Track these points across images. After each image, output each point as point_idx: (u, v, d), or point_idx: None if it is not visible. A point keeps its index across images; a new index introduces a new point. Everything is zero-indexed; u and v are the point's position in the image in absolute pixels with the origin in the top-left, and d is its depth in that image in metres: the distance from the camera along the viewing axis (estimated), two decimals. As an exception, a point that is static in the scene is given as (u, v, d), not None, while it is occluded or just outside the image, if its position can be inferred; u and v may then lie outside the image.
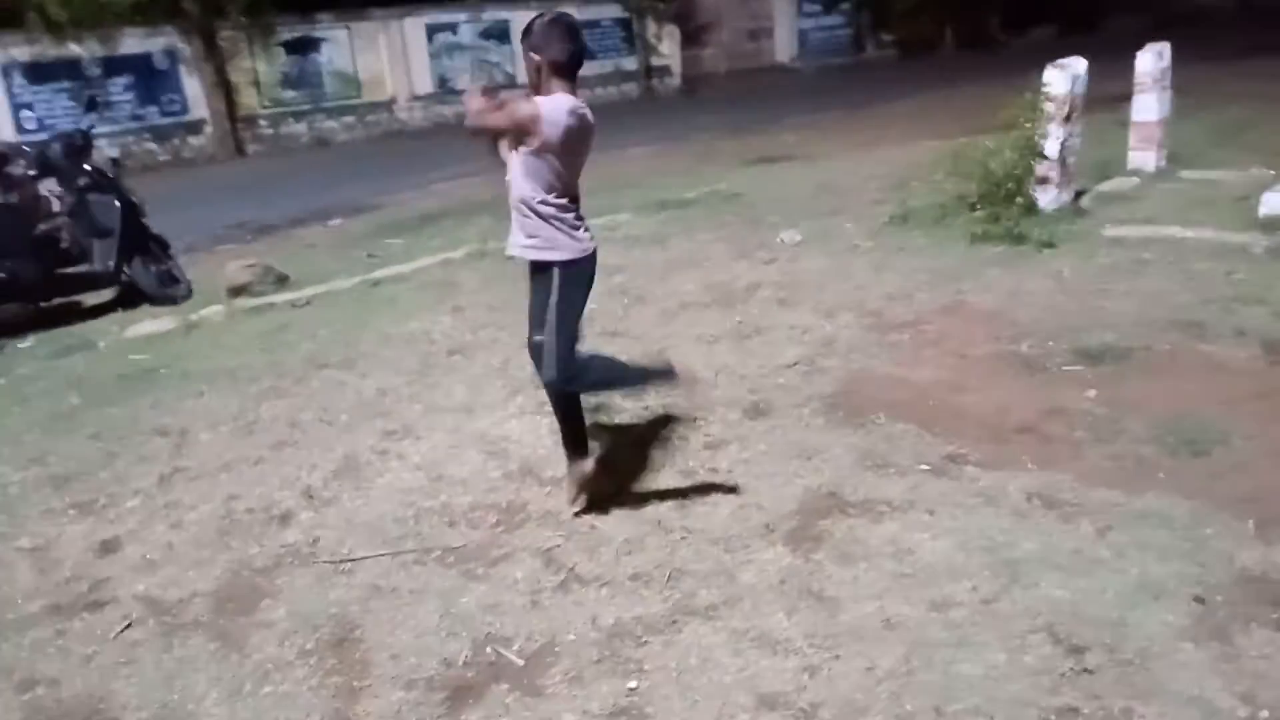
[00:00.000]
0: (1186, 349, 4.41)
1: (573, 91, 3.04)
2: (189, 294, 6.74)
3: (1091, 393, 4.04)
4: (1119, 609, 2.68)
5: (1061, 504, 3.23)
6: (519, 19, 20.09)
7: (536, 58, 3.01)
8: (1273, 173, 7.09)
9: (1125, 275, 5.44)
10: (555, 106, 2.95)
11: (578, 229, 3.16)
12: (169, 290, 6.68)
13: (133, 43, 15.76)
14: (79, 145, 6.53)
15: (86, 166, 6.49)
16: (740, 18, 26.63)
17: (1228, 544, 2.93)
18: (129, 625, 2.96)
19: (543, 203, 3.06)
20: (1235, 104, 10.77)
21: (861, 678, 2.51)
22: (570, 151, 3.03)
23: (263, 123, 17.32)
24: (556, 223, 3.09)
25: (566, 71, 3.03)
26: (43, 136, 13.34)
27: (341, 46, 18.07)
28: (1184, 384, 4.07)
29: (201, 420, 4.50)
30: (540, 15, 3.12)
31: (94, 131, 7.01)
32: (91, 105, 7.71)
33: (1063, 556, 2.94)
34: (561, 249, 3.12)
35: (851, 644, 2.64)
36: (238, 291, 6.44)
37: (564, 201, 3.09)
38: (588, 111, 3.04)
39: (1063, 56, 6.69)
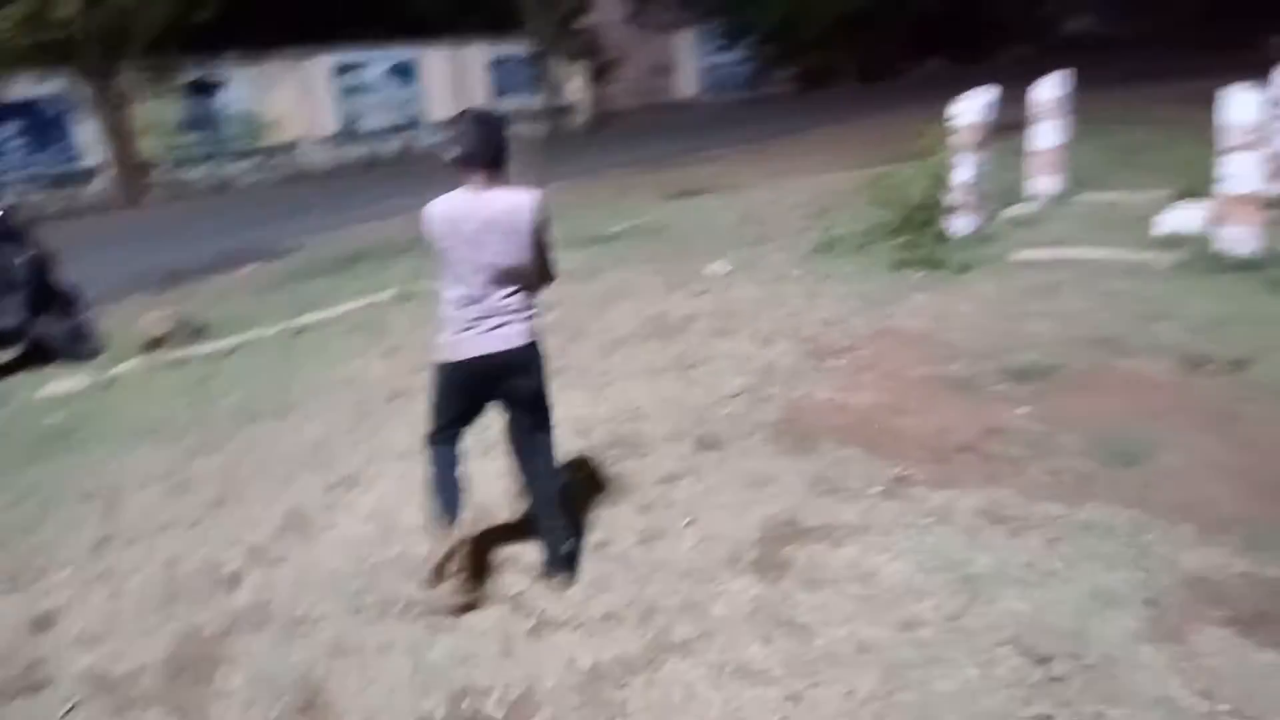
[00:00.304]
0: (1107, 365, 4.62)
1: (484, 184, 2.96)
2: (101, 350, 6.45)
3: (1024, 410, 4.21)
4: (1077, 617, 2.79)
5: (1009, 519, 3.35)
6: (427, 57, 20.10)
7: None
8: (1167, 192, 7.52)
9: (1042, 296, 5.68)
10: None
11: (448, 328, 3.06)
12: (79, 346, 6.37)
13: (21, 88, 15.13)
14: (-21, 197, 6.22)
15: (-11, 218, 6.19)
16: (644, 54, 27.14)
17: (1169, 549, 3.07)
18: (73, 707, 2.80)
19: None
20: (1128, 128, 11.42)
21: (843, 702, 2.55)
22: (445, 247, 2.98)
23: (162, 168, 16.79)
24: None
25: (463, 167, 2.96)
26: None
27: (244, 87, 17.73)
28: (1109, 399, 4.27)
29: (130, 481, 4.30)
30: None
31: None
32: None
33: (1017, 570, 3.04)
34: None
35: (828, 670, 2.67)
36: (154, 344, 6.20)
37: (449, 295, 3.03)
38: (443, 209, 2.96)
39: (956, 87, 7.01)
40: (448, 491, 3.15)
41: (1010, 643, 2.70)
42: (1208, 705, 2.42)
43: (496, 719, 2.62)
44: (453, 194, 2.99)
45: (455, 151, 2.95)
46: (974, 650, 2.68)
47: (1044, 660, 2.62)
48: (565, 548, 3.24)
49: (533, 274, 3.08)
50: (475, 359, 3.02)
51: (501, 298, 3.02)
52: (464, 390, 3.14)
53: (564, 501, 3.34)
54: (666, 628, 2.93)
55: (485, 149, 2.95)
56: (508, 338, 3.03)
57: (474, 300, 3.00)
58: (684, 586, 3.14)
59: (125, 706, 2.78)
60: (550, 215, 3.09)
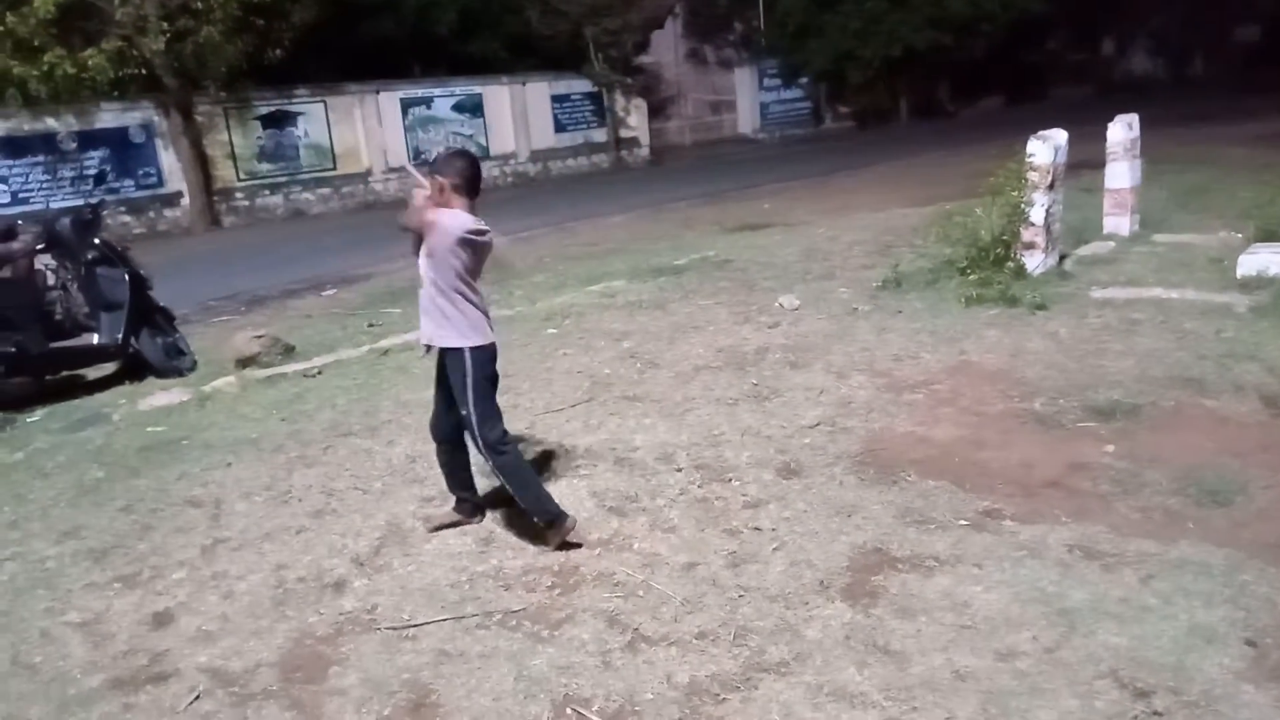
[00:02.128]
0: (1190, 404, 4.62)
1: (472, 210, 3.50)
2: (195, 366, 6.73)
3: (1109, 448, 4.22)
4: (1175, 653, 2.80)
5: (1101, 555, 3.36)
6: (491, 92, 20.61)
7: (440, 180, 3.46)
8: (1240, 235, 7.47)
9: (1119, 335, 5.68)
10: (450, 219, 3.42)
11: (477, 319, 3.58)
12: (175, 362, 6.66)
13: (109, 117, 15.85)
14: (88, 219, 6.55)
15: (95, 240, 6.50)
16: (703, 91, 27.54)
17: (1266, 589, 3.07)
18: (198, 697, 2.94)
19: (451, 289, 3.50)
20: (1191, 169, 11.34)
21: (943, 728, 2.59)
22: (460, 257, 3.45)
23: (239, 195, 17.42)
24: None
25: (464, 191, 3.50)
26: (16, 211, 13.33)
27: (317, 120, 18.33)
28: (1194, 437, 4.26)
29: (233, 491, 4.49)
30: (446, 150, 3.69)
31: (103, 206, 7.03)
32: (101, 178, 7.72)
33: (1113, 605, 3.06)
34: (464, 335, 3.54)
35: (926, 695, 2.71)
36: (246, 362, 6.45)
37: (478, 294, 3.57)
38: (481, 227, 3.47)
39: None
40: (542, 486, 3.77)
41: (1109, 676, 2.72)
42: (1313, 746, 2.42)
43: (600, 727, 2.70)
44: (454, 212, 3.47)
45: (459, 174, 3.51)
46: (1073, 682, 2.71)
47: (1144, 694, 2.64)
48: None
49: None
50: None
51: None
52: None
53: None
54: (760, 648, 3.00)
55: (477, 179, 3.56)
56: None
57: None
58: (776, 609, 3.20)
59: (245, 700, 2.92)
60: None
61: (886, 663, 2.87)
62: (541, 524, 3.70)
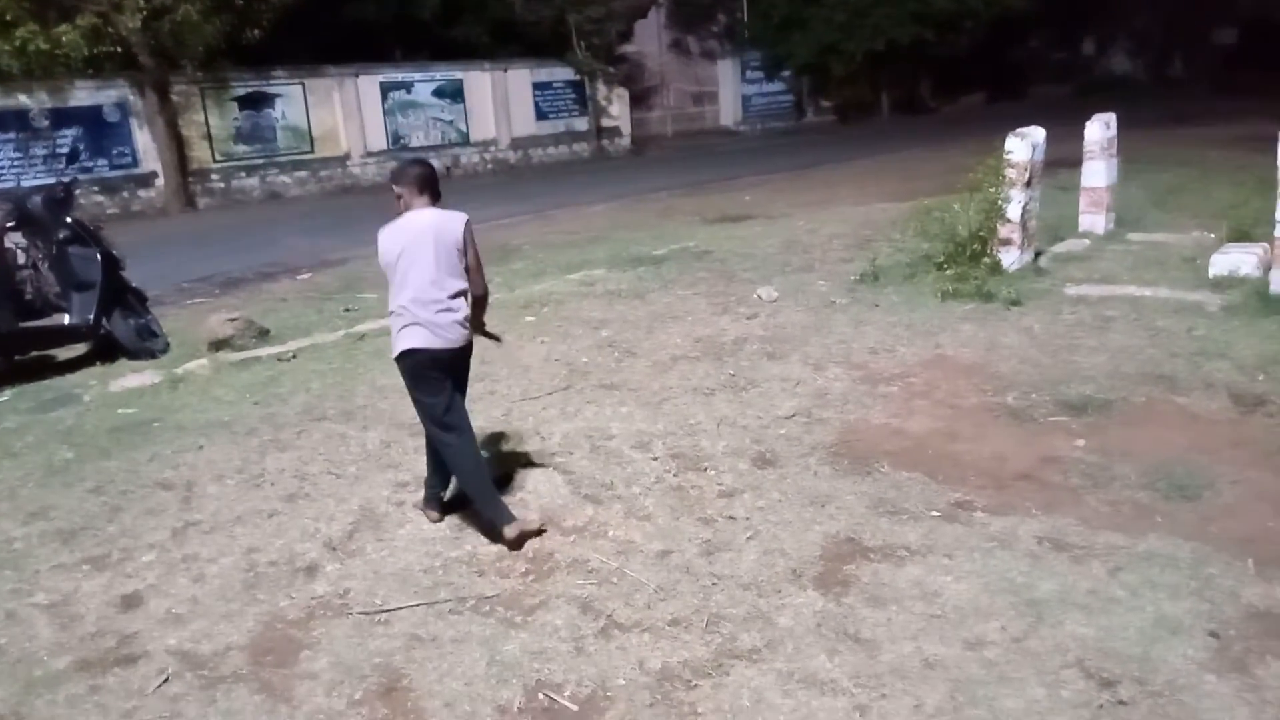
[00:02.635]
0: (1161, 400, 4.68)
1: (431, 205, 3.62)
2: (167, 348, 6.65)
3: (1080, 442, 4.26)
4: (1141, 644, 2.84)
5: (1071, 547, 3.40)
6: (472, 78, 20.46)
7: (397, 189, 3.61)
8: (1213, 235, 7.56)
9: (1092, 331, 5.74)
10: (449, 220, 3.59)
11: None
12: (147, 344, 6.57)
13: (83, 94, 15.58)
14: (60, 198, 6.44)
15: (67, 219, 6.40)
16: (686, 81, 27.49)
17: (1231, 582, 3.12)
18: (167, 679, 2.91)
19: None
20: (1168, 169, 11.47)
21: (911, 715, 2.61)
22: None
23: (214, 176, 17.20)
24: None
25: (430, 195, 3.63)
26: (-12, 187, 13.06)
27: (295, 102, 18.12)
28: (1165, 433, 4.32)
29: (205, 473, 4.45)
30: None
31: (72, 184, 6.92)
32: (74, 157, 7.60)
33: (1081, 596, 3.10)
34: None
35: (896, 683, 2.74)
36: (219, 345, 6.38)
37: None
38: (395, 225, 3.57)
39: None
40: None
41: (1076, 665, 2.76)
42: (1275, 736, 2.46)
43: (572, 710, 2.70)
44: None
45: (413, 179, 3.63)
46: (1040, 671, 2.74)
47: (1110, 684, 2.67)
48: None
49: None
50: None
51: None
52: None
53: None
54: (732, 635, 3.01)
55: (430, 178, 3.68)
56: None
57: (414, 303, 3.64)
58: (748, 597, 3.22)
59: (215, 682, 2.90)
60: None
61: (857, 650, 2.90)
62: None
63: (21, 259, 6.64)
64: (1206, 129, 16.15)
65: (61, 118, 15.31)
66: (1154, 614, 2.97)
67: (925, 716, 2.60)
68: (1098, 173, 7.85)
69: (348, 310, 7.71)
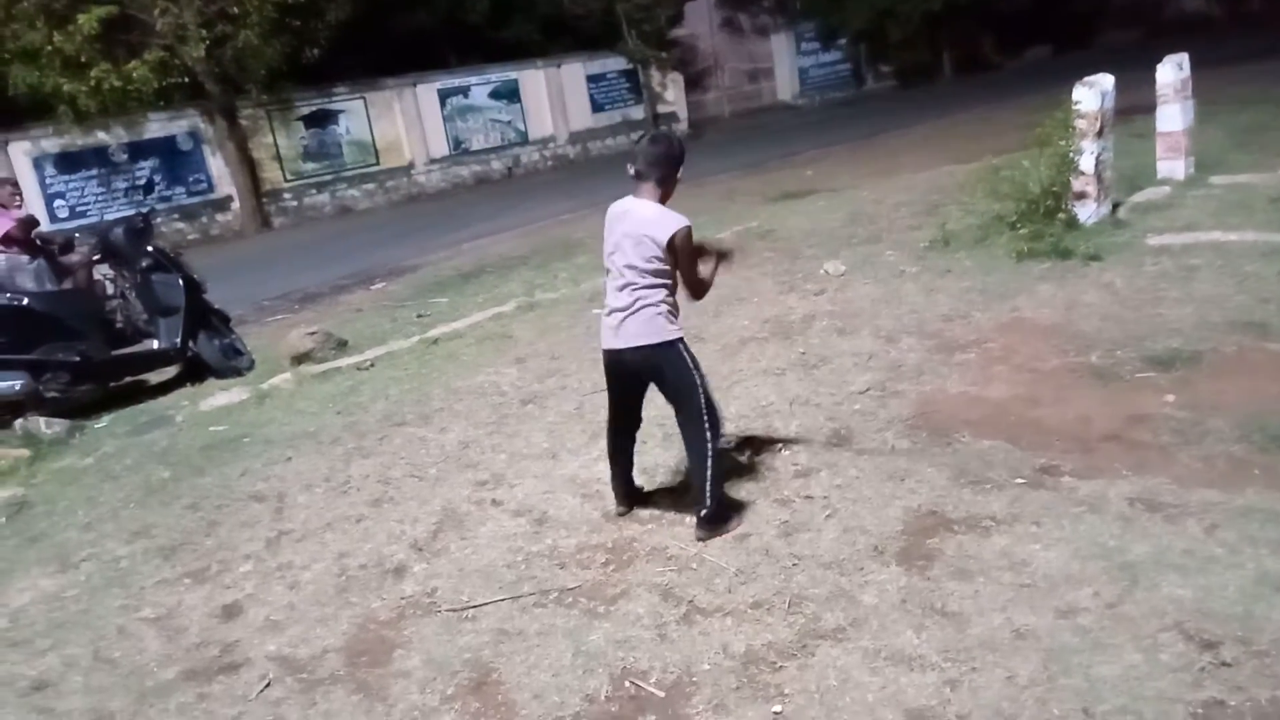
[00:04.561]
0: (1253, 349, 4.47)
1: (654, 197, 3.58)
2: (252, 365, 6.90)
3: (1169, 398, 4.10)
4: (1243, 603, 2.73)
5: (1164, 506, 3.28)
6: (526, 76, 20.60)
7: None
8: (1303, 172, 7.18)
9: (1177, 282, 5.51)
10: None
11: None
12: (233, 363, 6.83)
13: (156, 126, 16.21)
14: (140, 228, 6.73)
15: (148, 248, 6.68)
16: (740, 60, 27.19)
17: (1339, 534, 2.97)
18: (268, 684, 3.03)
19: None
20: (1246, 109, 10.91)
21: (1004, 687, 2.56)
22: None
23: (286, 195, 17.73)
24: None
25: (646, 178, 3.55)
26: (74, 225, 13.71)
27: (358, 116, 18.54)
28: (1258, 383, 4.12)
29: (294, 484, 4.61)
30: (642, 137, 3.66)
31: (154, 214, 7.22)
32: (149, 187, 7.94)
33: (1176, 556, 2.99)
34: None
35: (986, 656, 2.69)
36: (301, 359, 6.59)
37: None
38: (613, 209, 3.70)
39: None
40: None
41: (1173, 628, 2.66)
42: (1393, 692, 2.34)
43: (659, 697, 2.73)
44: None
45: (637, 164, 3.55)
46: (1136, 636, 2.66)
47: (1211, 645, 2.58)
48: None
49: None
50: None
51: None
52: None
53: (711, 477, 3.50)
54: (816, 615, 2.99)
55: (658, 159, 3.54)
56: None
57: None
58: (830, 576, 3.19)
59: (313, 685, 3.01)
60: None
61: (944, 624, 2.85)
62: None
63: (110, 289, 6.97)
64: (1284, 63, 15.30)
65: (138, 150, 15.98)
66: (1255, 571, 2.85)
67: (1018, 688, 2.55)
68: (1173, 116, 7.51)
69: (420, 316, 7.87)
